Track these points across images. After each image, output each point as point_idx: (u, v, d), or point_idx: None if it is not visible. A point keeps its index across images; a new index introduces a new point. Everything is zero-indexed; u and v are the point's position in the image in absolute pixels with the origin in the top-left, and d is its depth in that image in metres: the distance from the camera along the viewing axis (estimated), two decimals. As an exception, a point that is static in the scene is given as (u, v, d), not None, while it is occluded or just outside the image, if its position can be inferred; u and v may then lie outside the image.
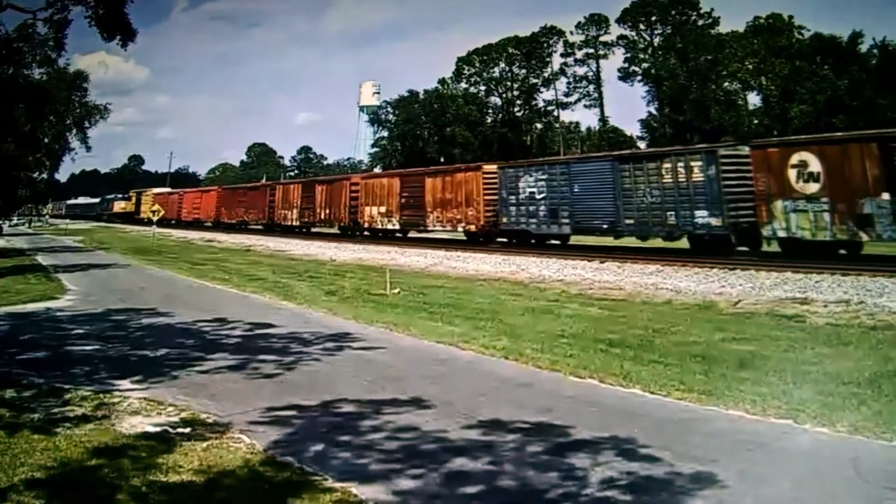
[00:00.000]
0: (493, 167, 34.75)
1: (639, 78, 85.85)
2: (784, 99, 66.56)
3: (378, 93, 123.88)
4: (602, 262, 24.34)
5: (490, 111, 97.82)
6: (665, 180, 25.52)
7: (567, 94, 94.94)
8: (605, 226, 28.08)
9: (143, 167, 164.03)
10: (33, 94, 32.50)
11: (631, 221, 26.87)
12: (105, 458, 6.73)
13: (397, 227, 40.18)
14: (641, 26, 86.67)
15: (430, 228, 37.85)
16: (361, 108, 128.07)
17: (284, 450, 7.01)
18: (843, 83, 61.34)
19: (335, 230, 46.12)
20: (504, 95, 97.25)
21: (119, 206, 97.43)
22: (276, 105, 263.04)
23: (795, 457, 6.58)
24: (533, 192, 31.04)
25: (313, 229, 48.82)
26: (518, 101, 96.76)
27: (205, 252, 38.77)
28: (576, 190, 29.11)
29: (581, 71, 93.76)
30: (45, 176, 45.45)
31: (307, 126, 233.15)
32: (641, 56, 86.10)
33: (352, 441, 7.23)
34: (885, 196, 19.87)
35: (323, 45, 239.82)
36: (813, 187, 21.48)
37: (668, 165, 25.58)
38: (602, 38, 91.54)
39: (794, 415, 7.62)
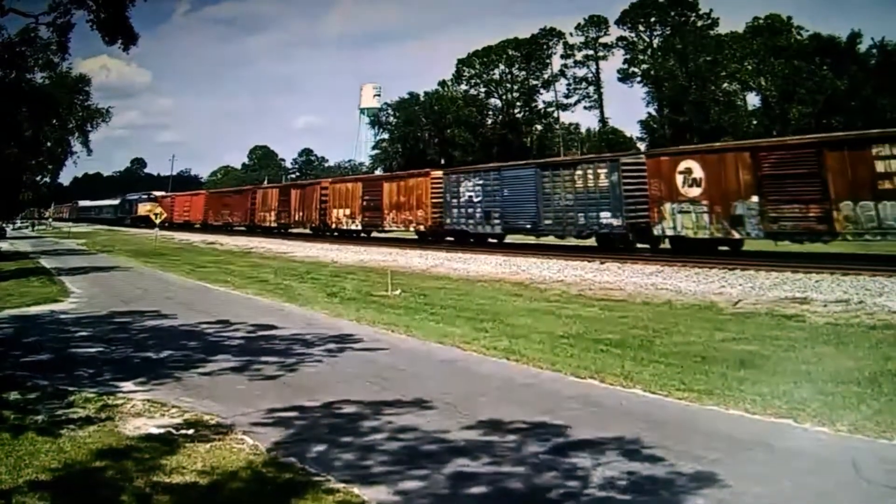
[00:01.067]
0: (439, 173, 38.68)
1: (638, 79, 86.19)
2: (783, 99, 66.55)
3: (379, 95, 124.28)
4: (602, 263, 24.40)
5: (490, 113, 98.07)
6: (577, 186, 28.88)
7: (567, 96, 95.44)
8: (528, 225, 31.65)
9: (146, 170, 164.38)
10: (36, 98, 32.55)
11: (549, 222, 30.41)
12: (109, 460, 6.77)
13: (360, 227, 43.78)
14: (641, 27, 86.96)
15: (386, 229, 41.33)
16: (362, 111, 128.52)
17: (287, 451, 7.04)
18: (843, 83, 61.29)
19: (307, 230, 49.44)
20: (504, 97, 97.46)
21: (145, 208, 73.92)
22: (277, 108, 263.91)
23: (795, 456, 6.59)
24: (471, 196, 34.66)
25: (291, 230, 51.95)
26: (518, 103, 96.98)
27: (207, 254, 38.85)
28: (505, 193, 32.66)
29: (581, 72, 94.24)
30: (47, 179, 45.52)
31: (308, 128, 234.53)
32: (641, 57, 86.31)
33: (354, 442, 7.26)
34: (754, 199, 22.91)
35: (324, 47, 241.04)
36: (695, 191, 24.59)
37: (579, 172, 29.01)
38: (602, 40, 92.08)
39: (794, 414, 7.65)
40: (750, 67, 72.14)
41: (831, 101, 60.11)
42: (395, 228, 40.72)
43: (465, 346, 11.93)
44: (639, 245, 27.07)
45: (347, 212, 44.52)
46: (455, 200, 35.53)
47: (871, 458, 6.38)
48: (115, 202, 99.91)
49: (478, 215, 34.26)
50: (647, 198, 26.34)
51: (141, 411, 8.56)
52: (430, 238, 37.07)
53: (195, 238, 55.34)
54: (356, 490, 5.99)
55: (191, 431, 7.70)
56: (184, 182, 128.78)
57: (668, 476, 6.12)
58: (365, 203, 42.84)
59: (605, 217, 27.66)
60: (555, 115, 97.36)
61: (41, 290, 21.98)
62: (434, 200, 37.11)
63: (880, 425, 7.13)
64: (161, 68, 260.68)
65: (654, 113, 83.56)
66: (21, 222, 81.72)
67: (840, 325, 12.96)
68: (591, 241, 29.26)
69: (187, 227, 69.75)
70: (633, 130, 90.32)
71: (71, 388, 9.61)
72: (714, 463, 6.31)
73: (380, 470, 6.52)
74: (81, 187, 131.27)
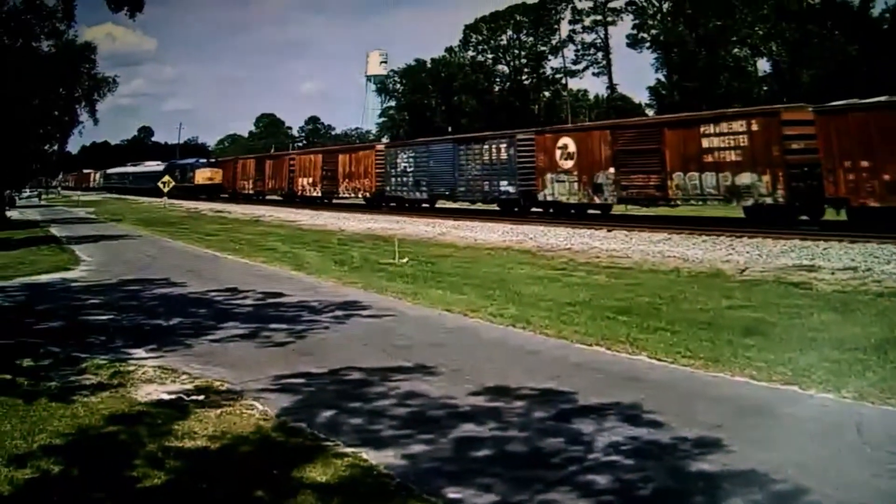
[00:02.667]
0: (382, 147, 46.15)
1: (647, 45, 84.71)
2: (794, 65, 65.76)
3: (385, 62, 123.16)
4: (610, 231, 24.40)
5: (497, 80, 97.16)
6: (484, 158, 34.10)
7: (575, 62, 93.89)
8: (447, 192, 37.27)
9: (153, 139, 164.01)
10: (44, 67, 32.50)
11: (463, 189, 35.79)
12: (121, 425, 6.86)
13: (319, 194, 50.00)
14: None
15: (341, 195, 47.56)
16: (369, 78, 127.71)
17: (296, 416, 7.11)
18: (854, 48, 60.45)
19: (279, 197, 56.49)
20: (511, 64, 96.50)
21: (204, 175, 67.88)
22: (284, 75, 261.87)
23: (801, 422, 6.62)
24: (405, 167, 40.30)
25: (266, 197, 59.32)
26: (526, 70, 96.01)
27: (215, 223, 38.98)
28: (431, 165, 37.98)
29: (589, 38, 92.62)
30: (55, 148, 45.55)
31: (315, 96, 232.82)
32: (650, 23, 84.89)
33: (362, 407, 7.33)
34: (611, 170, 27.98)
35: (330, 13, 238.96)
36: (569, 164, 29.73)
37: (486, 147, 34.22)
38: (610, 5, 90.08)
39: (799, 381, 7.66)
40: (761, 32, 71.11)
41: (843, 65, 59.19)
42: (347, 195, 46.82)
43: (472, 314, 11.97)
44: (532, 209, 32.08)
45: (310, 180, 51.06)
46: (393, 171, 41.24)
47: (876, 425, 6.40)
48: (158, 167, 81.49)
49: (410, 183, 39.99)
50: (535, 169, 31.36)
51: (152, 377, 8.66)
52: (374, 203, 42.94)
53: (203, 206, 55.41)
54: (364, 454, 6.06)
55: (201, 397, 7.79)
56: (191, 150, 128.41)
57: (672, 441, 6.15)
58: (324, 173, 49.02)
59: (504, 185, 33.11)
60: (562, 81, 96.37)
61: (52, 259, 22.15)
62: (377, 171, 42.72)
63: (885, 392, 7.13)
64: (167, 35, 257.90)
65: (662, 79, 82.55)
66: (30, 191, 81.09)
67: (847, 293, 12.91)
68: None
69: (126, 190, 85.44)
70: (641, 97, 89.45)
71: (83, 355, 9.71)
72: (718, 429, 6.34)
73: (387, 434, 6.59)
74: (89, 156, 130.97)
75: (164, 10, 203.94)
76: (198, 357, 9.66)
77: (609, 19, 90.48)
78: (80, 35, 40.10)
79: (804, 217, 23.16)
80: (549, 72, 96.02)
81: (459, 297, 13.62)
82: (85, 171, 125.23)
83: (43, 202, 77.45)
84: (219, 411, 7.26)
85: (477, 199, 35.54)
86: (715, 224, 23.77)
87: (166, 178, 57.35)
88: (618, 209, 30.30)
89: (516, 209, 32.66)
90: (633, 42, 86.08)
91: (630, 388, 7.67)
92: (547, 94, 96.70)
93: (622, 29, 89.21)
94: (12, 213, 49.44)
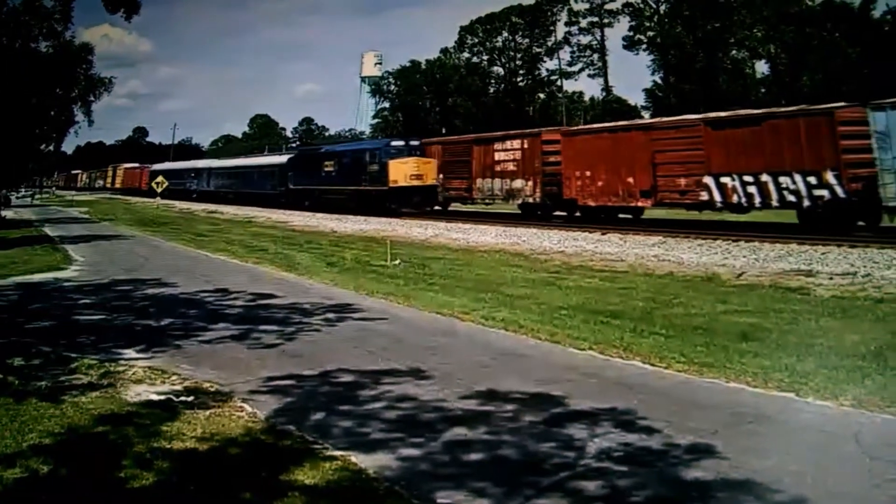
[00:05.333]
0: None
1: (644, 47, 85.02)
2: (794, 67, 65.72)
3: (380, 63, 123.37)
4: (604, 234, 24.37)
5: (492, 81, 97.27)
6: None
7: (571, 64, 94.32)
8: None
9: (147, 139, 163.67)
10: (42, 68, 32.48)
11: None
12: (110, 426, 6.81)
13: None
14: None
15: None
16: (363, 79, 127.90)
17: (286, 418, 7.06)
18: (855, 51, 60.38)
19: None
20: (507, 65, 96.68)
21: (405, 169, 38.04)
22: (278, 76, 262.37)
23: (797, 430, 6.56)
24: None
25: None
26: (521, 71, 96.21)
27: (207, 223, 39.00)
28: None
29: (585, 40, 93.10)
30: (51, 148, 45.48)
31: (309, 97, 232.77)
32: (647, 24, 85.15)
33: (352, 410, 7.27)
34: (441, 176, 37.60)
35: (325, 14, 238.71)
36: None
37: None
38: (607, 6, 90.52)
39: (796, 388, 7.59)
40: (759, 34, 71.04)
41: (844, 68, 59.07)
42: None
43: (464, 317, 11.91)
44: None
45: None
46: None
47: (875, 433, 6.33)
48: (275, 160, 56.85)
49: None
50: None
51: (142, 378, 8.60)
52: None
53: (196, 207, 55.25)
54: (353, 457, 6.00)
55: (190, 398, 7.74)
56: (185, 151, 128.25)
57: (665, 448, 6.09)
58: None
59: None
60: (558, 83, 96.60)
61: (45, 258, 22.08)
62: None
63: (885, 400, 7.06)
64: (163, 37, 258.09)
65: (659, 81, 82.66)
66: (25, 191, 80.00)
67: (846, 299, 12.86)
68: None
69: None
70: (637, 99, 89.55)
71: (73, 355, 9.64)
72: (712, 435, 6.28)
73: (378, 438, 6.53)
74: (84, 156, 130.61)
75: (161, 11, 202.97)
76: (188, 358, 9.59)
77: (605, 21, 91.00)
78: (78, 36, 40.07)
79: (559, 213, 31.49)
80: (544, 74, 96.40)
81: (451, 299, 13.56)
82: (73, 171, 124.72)
83: (37, 202, 77.12)
84: (208, 413, 7.21)
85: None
86: (711, 228, 23.77)
87: (160, 178, 57.05)
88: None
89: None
90: (630, 44, 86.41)
91: (623, 393, 7.61)
92: (542, 95, 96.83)
93: (618, 31, 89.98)
94: (7, 213, 49.26)
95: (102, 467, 5.81)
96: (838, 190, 21.91)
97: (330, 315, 12.29)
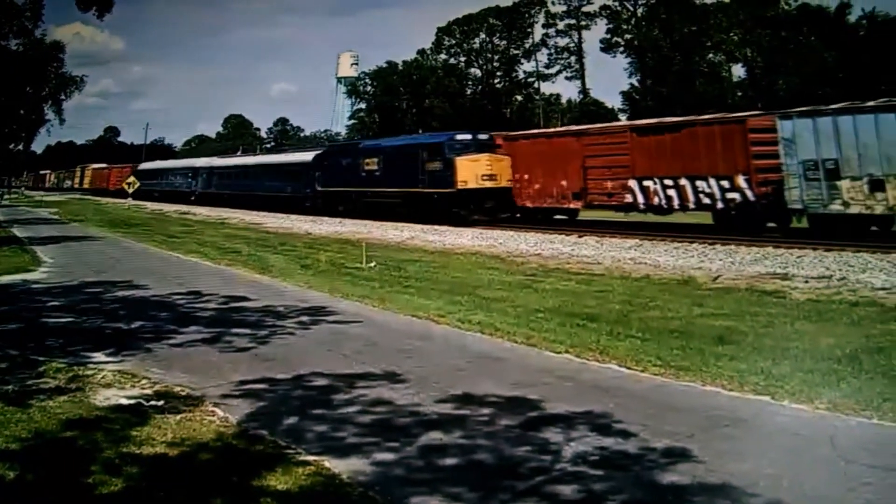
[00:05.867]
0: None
1: (621, 49, 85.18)
2: (769, 71, 66.26)
3: (356, 64, 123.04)
4: (581, 237, 24.41)
5: (470, 83, 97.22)
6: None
7: (548, 66, 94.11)
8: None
9: (119, 139, 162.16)
10: (12, 66, 32.09)
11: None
12: (79, 431, 6.70)
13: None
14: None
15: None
16: (339, 80, 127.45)
17: (258, 423, 6.97)
18: (830, 55, 60.96)
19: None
20: (484, 67, 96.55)
21: (475, 168, 31.64)
22: (253, 76, 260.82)
23: (773, 434, 6.55)
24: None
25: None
26: (498, 73, 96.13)
27: (179, 225, 38.70)
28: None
29: (562, 42, 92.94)
30: (20, 148, 44.88)
31: (285, 98, 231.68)
32: (624, 27, 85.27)
33: (326, 415, 7.19)
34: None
35: (301, 14, 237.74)
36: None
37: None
38: (584, 9, 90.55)
39: (772, 391, 7.60)
40: (736, 38, 71.47)
41: (819, 72, 59.65)
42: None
43: (440, 320, 11.86)
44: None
45: None
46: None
47: (850, 437, 6.35)
48: (298, 157, 49.16)
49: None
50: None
51: (111, 382, 8.46)
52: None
53: (168, 208, 54.81)
54: (327, 462, 5.94)
55: (161, 403, 7.62)
56: (157, 151, 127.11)
57: (641, 452, 6.07)
58: None
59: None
60: (535, 85, 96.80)
61: (12, 260, 21.74)
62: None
63: (860, 403, 7.08)
64: (135, 35, 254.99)
65: (636, 84, 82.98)
66: None
67: (821, 302, 12.93)
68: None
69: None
70: (614, 102, 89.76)
71: (41, 358, 9.47)
72: (688, 439, 6.27)
73: (352, 442, 6.46)
74: (54, 156, 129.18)
75: (134, 9, 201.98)
76: (158, 361, 9.45)
77: (583, 23, 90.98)
78: (49, 34, 39.69)
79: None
80: (521, 75, 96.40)
81: (427, 302, 13.50)
82: (42, 171, 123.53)
83: (5, 202, 76.13)
84: (178, 417, 7.11)
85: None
86: (687, 231, 23.88)
87: (131, 178, 56.48)
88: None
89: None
90: (607, 46, 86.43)
91: (599, 396, 7.58)
92: (519, 98, 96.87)
93: (596, 33, 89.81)
94: (-26, 214, 48.67)
95: (70, 473, 5.71)
96: (748, 193, 23.76)
97: (304, 318, 12.18)
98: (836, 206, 21.36)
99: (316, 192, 42.05)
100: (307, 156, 45.65)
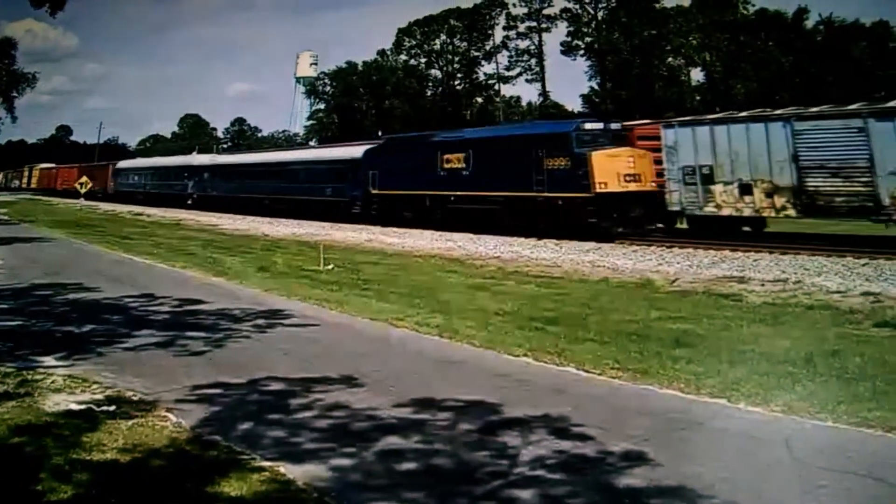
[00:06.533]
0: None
1: (581, 52, 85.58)
2: (728, 75, 67.17)
3: (316, 64, 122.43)
4: (540, 240, 24.47)
5: (430, 84, 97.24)
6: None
7: (508, 68, 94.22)
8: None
9: (72, 138, 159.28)
10: None
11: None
12: (27, 437, 6.54)
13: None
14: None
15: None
16: (298, 80, 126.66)
17: (212, 428, 6.86)
18: (788, 60, 61.99)
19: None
20: (445, 68, 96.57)
21: (613, 164, 24.88)
22: (210, 75, 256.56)
23: (729, 436, 6.61)
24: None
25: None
26: (459, 75, 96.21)
27: (133, 226, 38.20)
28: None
29: (523, 44, 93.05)
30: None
31: (242, 97, 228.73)
32: (585, 30, 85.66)
33: (282, 420, 7.11)
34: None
35: (260, 12, 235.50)
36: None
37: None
38: (545, 12, 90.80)
39: (728, 394, 7.66)
40: (695, 42, 72.27)
41: (777, 77, 60.64)
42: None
43: (398, 323, 11.81)
44: None
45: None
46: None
47: (805, 439, 6.41)
48: (342, 152, 41.35)
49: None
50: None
51: (61, 387, 8.26)
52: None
53: (121, 209, 54.01)
54: (282, 468, 5.86)
55: (112, 408, 7.47)
56: (111, 150, 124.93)
57: (598, 455, 6.08)
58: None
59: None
60: (496, 87, 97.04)
61: (-41, 262, 21.20)
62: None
63: (815, 406, 7.16)
64: (90, 32, 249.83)
65: (596, 87, 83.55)
66: None
67: (777, 305, 13.11)
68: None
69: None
70: (575, 104, 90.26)
71: (-12, 363, 9.21)
72: (645, 442, 6.29)
73: (308, 448, 6.39)
74: (4, 155, 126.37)
75: (87, 6, 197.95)
76: (110, 366, 9.25)
77: (543, 26, 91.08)
78: (0, 30, 38.87)
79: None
80: (482, 77, 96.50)
81: (385, 305, 13.45)
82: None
83: None
84: (130, 423, 6.96)
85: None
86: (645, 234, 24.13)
87: (84, 178, 55.53)
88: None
89: None
90: (568, 49, 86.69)
91: (557, 400, 7.59)
92: (480, 99, 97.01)
93: (556, 36, 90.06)
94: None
95: (18, 480, 5.57)
96: None
97: (260, 321, 12.05)
98: (710, 208, 23.33)
99: (370, 195, 34.32)
100: (356, 150, 38.08)
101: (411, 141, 36.29)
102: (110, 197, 65.47)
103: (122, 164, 70.66)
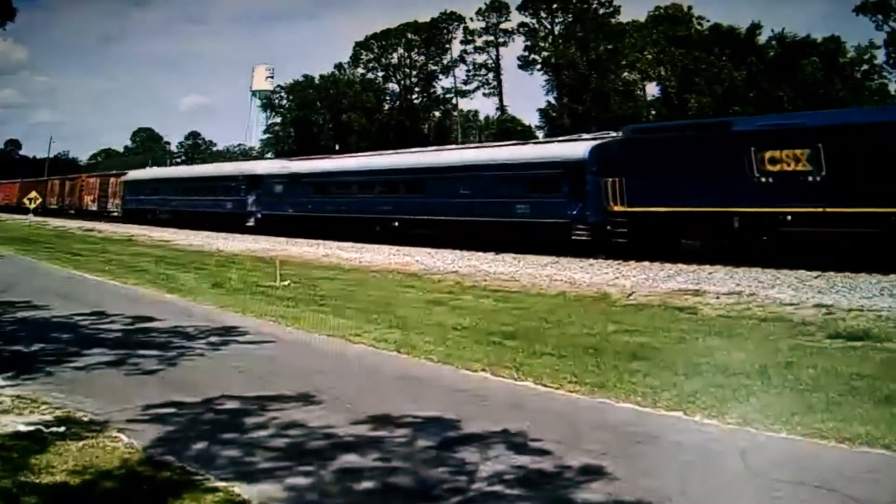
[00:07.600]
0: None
1: (539, 67, 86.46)
2: (683, 90, 68.21)
3: (272, 77, 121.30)
4: (497, 254, 24.53)
5: (388, 98, 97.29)
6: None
7: (466, 82, 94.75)
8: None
9: (21, 152, 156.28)
10: None
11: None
12: (-27, 460, 6.32)
13: (96, 209, 61.66)
14: (542, 14, 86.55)
15: (88, 208, 62.76)
16: (254, 93, 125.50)
17: (165, 449, 6.72)
18: (741, 74, 63.17)
19: (72, 211, 66.18)
20: (402, 82, 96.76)
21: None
22: (163, 88, 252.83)
23: (685, 449, 6.63)
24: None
25: (71, 212, 66.22)
26: (416, 89, 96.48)
27: (84, 242, 37.53)
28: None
29: (481, 59, 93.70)
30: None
31: (196, 110, 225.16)
32: (542, 44, 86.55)
33: (237, 439, 6.99)
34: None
35: (214, 25, 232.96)
36: None
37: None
38: (502, 26, 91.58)
39: (684, 407, 7.72)
40: (650, 57, 73.32)
41: (730, 91, 61.77)
42: (94, 208, 62.23)
43: (355, 339, 11.74)
44: None
45: (92, 198, 63.61)
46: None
47: (759, 451, 6.47)
48: (544, 151, 29.18)
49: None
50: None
51: (9, 408, 8.03)
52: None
53: (71, 224, 53.13)
54: (237, 488, 5.75)
55: (62, 429, 7.27)
56: (61, 165, 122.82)
57: (556, 469, 6.07)
58: (100, 192, 62.00)
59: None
60: (453, 101, 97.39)
61: None
62: (99, 193, 61.70)
63: (769, 418, 7.23)
64: (40, 44, 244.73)
65: (553, 101, 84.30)
66: None
67: (732, 317, 13.32)
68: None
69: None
70: (532, 119, 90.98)
71: (-68, 385, 8.95)
72: (603, 456, 6.30)
73: (263, 467, 6.29)
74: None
75: (38, 16, 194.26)
76: (59, 386, 9.03)
77: (501, 40, 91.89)
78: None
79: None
80: (440, 91, 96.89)
81: (342, 321, 13.37)
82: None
83: None
84: (81, 444, 6.78)
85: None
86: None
87: (33, 193, 54.60)
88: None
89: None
90: (525, 63, 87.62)
91: (515, 415, 7.59)
92: (438, 114, 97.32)
93: (513, 50, 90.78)
94: None
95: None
96: None
97: (214, 339, 11.86)
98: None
99: (612, 213, 23.35)
100: (573, 149, 26.47)
101: (681, 132, 24.20)
102: (116, 218, 55.18)
103: (134, 174, 57.74)
